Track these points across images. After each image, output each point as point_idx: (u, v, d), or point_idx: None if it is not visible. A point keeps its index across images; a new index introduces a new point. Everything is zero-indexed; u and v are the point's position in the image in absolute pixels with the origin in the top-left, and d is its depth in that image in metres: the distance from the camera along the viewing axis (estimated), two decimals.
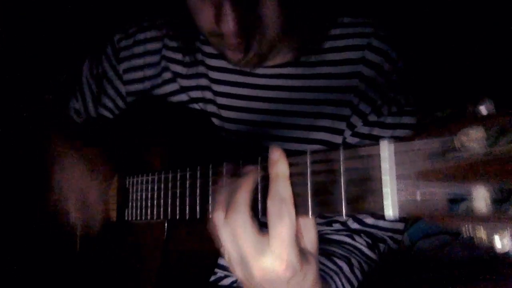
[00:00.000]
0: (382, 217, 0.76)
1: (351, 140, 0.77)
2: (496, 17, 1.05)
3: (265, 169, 0.47)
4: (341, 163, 0.41)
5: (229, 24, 0.63)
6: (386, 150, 0.38)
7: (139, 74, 0.90)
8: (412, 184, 0.36)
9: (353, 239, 0.78)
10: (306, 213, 0.44)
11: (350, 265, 0.74)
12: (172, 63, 0.86)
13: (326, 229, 0.80)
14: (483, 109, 0.33)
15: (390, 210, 0.37)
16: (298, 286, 0.47)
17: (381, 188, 0.37)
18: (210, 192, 0.56)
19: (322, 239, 0.79)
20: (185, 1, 0.68)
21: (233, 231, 0.45)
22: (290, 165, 0.45)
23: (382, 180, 0.37)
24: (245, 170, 0.49)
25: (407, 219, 0.84)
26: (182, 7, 0.70)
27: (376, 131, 0.76)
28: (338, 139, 0.77)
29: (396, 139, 0.38)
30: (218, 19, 0.64)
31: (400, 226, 0.80)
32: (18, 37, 1.31)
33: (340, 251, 0.76)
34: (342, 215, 0.41)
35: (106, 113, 0.96)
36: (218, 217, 0.47)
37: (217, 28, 0.65)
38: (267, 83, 0.79)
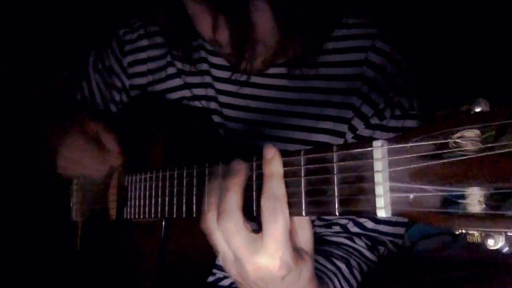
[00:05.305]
0: (382, 221, 0.76)
1: None
2: (503, 19, 1.04)
3: (260, 167, 0.47)
4: (335, 163, 0.41)
5: (223, 35, 0.66)
6: (379, 151, 0.38)
7: (143, 68, 0.90)
8: (405, 185, 0.36)
9: (353, 241, 0.77)
10: (300, 213, 0.44)
11: (349, 266, 0.73)
12: (177, 60, 0.86)
13: (325, 231, 0.80)
14: (478, 110, 0.33)
15: (383, 210, 0.37)
16: (293, 284, 0.47)
17: (374, 188, 0.37)
18: (206, 191, 0.56)
19: (321, 240, 0.79)
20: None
21: (225, 233, 0.46)
22: (284, 164, 0.45)
23: (375, 180, 0.37)
24: (233, 167, 0.48)
25: (408, 224, 0.84)
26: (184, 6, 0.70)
27: (377, 134, 0.75)
28: (339, 142, 0.76)
29: (389, 139, 0.37)
30: (214, 29, 0.66)
31: (401, 230, 0.79)
32: (22, 33, 1.32)
33: (339, 252, 0.75)
34: (335, 214, 0.41)
35: (113, 108, 0.96)
36: (210, 219, 0.47)
37: (214, 37, 0.67)
38: (269, 83, 0.79)
